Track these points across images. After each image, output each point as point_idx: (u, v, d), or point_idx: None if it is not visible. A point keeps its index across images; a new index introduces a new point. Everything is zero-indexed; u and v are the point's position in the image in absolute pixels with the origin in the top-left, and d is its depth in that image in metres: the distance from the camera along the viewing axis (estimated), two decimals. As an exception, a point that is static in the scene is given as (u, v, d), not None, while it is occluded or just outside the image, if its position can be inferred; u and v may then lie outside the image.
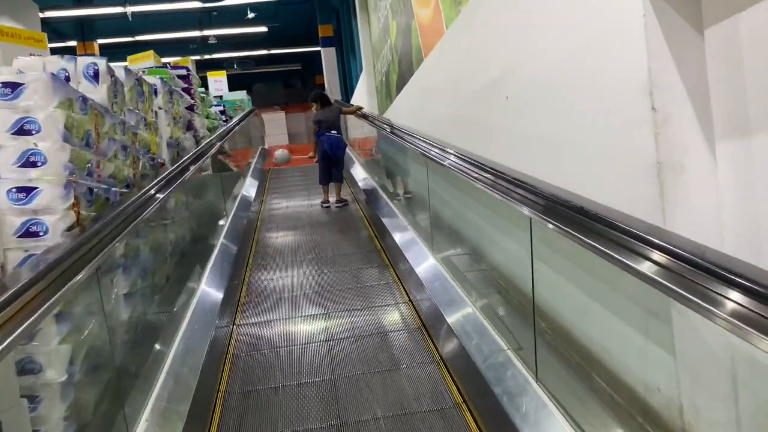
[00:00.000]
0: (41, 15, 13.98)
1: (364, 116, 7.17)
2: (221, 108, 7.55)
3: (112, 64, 2.81)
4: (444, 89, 4.37)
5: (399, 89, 6.76)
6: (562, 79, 2.33)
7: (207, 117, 5.91)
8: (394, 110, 7.06)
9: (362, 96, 10.30)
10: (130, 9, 13.15)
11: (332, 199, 6.71)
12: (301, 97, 23.66)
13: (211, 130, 5.80)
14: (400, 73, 6.68)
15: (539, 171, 2.30)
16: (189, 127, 4.74)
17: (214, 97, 11.46)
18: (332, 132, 6.56)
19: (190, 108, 4.79)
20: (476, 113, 3.52)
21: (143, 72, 4.32)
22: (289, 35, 18.73)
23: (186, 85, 4.79)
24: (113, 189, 2.51)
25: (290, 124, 22.76)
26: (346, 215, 6.36)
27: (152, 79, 3.85)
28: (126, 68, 3.17)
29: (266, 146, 13.12)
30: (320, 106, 6.77)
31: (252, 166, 8.79)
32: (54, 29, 15.30)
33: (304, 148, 17.21)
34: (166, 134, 3.85)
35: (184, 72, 4.79)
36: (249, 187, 7.15)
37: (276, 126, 20.97)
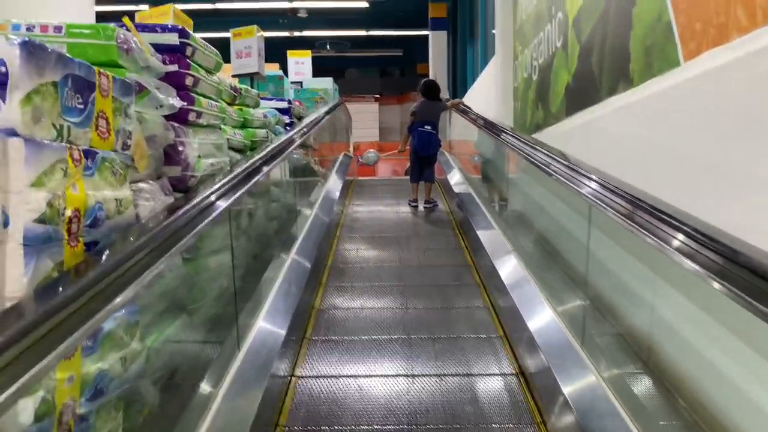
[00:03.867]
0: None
1: (464, 111, 6.45)
2: (285, 104, 4.95)
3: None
4: None
5: (577, 100, 3.93)
6: None
7: (243, 126, 3.33)
8: (567, 136, 4.17)
9: (488, 97, 7.48)
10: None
11: (421, 200, 6.32)
12: (398, 87, 21.07)
13: (244, 150, 3.22)
14: (582, 72, 3.84)
15: None
16: (171, 159, 2.16)
17: (293, 83, 8.96)
18: (426, 127, 6.11)
19: (181, 119, 2.20)
20: None
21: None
22: (393, 15, 16.03)
23: (176, 67, 2.20)
24: None
25: (383, 116, 20.25)
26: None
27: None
28: None
29: (351, 149, 10.53)
30: (424, 97, 6.25)
31: (330, 177, 6.62)
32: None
33: (395, 146, 14.66)
34: (28, 206, 1.27)
35: (171, 38, 2.19)
36: (319, 212, 5.04)
37: (367, 119, 18.51)
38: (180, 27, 2.24)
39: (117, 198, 1.67)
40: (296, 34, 15.99)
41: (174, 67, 2.16)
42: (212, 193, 2.17)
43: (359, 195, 7.34)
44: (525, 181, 4.41)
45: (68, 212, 1.42)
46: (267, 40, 6.27)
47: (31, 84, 1.31)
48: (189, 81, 2.24)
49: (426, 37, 14.48)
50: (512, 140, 4.17)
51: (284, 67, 9.01)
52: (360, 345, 3.13)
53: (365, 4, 13.72)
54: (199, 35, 4.16)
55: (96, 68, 1.57)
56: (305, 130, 4.28)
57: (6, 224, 1.27)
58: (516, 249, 3.85)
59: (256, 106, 3.72)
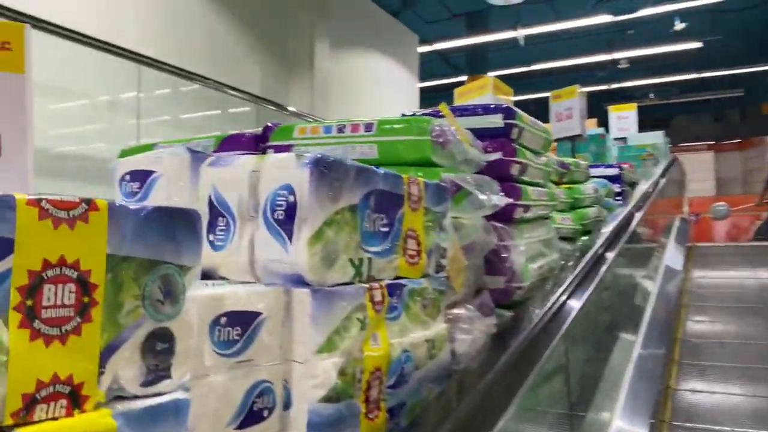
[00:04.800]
0: (431, 48, 12.93)
1: None
2: (615, 170, 4.27)
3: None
4: None
5: None
6: None
7: (572, 207, 2.80)
8: None
9: None
10: (522, 32, 10.83)
11: None
12: (737, 132, 18.19)
13: (575, 237, 2.68)
14: None
15: None
16: (493, 268, 1.74)
17: (616, 139, 8.12)
18: None
19: (505, 217, 1.78)
20: None
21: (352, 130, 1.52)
22: (730, 52, 13.91)
23: (500, 155, 1.79)
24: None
25: (720, 167, 17.60)
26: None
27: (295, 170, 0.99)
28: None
29: (685, 208, 9.08)
30: None
31: (668, 243, 5.62)
32: (447, 61, 14.18)
33: (738, 200, 12.37)
34: (314, 381, 0.94)
35: (495, 120, 1.79)
36: (661, 281, 4.23)
37: (699, 170, 16.21)
38: (505, 106, 1.84)
39: (428, 338, 1.28)
40: (614, 86, 14.96)
41: (497, 155, 1.76)
42: (562, 294, 1.72)
43: (703, 261, 6.29)
44: None
45: (366, 375, 1.06)
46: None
47: (323, 215, 0.99)
48: (515, 169, 1.82)
49: (776, 71, 12.15)
50: None
51: (603, 121, 8.23)
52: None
53: (698, 44, 12.12)
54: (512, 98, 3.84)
55: (405, 177, 1.23)
56: (643, 203, 3.57)
57: (287, 406, 0.95)
58: None
59: (587, 180, 3.15)
